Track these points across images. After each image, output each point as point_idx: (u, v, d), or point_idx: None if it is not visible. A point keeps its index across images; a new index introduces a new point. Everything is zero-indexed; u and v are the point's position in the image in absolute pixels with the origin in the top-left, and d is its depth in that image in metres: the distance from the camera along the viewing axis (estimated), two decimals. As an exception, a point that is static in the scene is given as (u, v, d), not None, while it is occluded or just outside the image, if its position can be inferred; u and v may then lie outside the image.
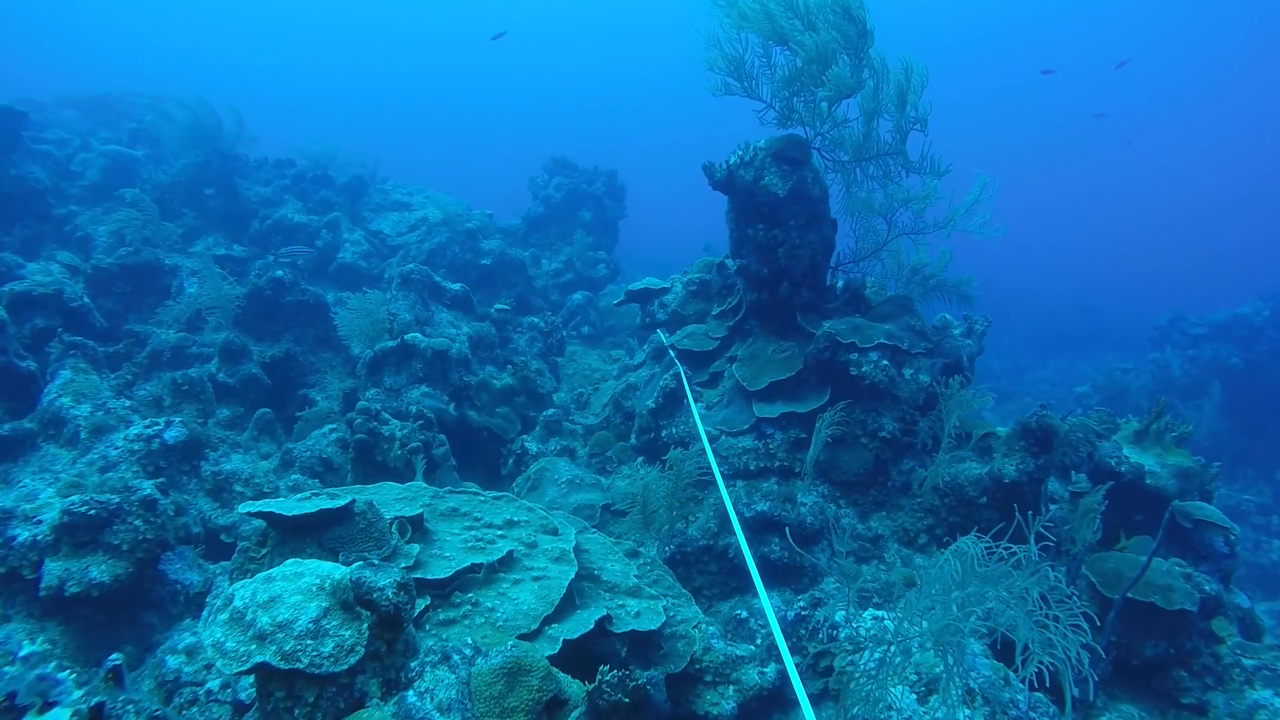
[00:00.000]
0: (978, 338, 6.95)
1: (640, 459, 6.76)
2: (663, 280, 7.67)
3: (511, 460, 7.01)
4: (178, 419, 5.13)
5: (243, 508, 3.31)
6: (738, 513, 5.18)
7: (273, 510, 3.24)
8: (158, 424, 5.08)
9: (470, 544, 3.85)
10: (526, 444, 6.96)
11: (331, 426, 6.76)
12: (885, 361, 5.47)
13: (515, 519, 4.25)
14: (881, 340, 5.50)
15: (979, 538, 3.55)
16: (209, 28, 61.13)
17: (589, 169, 15.40)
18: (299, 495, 3.52)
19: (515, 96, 69.24)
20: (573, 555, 3.99)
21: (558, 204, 14.69)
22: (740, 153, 5.87)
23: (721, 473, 5.30)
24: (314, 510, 3.26)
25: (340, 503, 3.36)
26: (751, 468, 5.67)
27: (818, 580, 5.28)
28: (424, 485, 4.26)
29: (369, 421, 5.69)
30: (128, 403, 5.35)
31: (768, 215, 5.82)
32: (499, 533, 4.09)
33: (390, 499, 4.16)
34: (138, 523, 3.59)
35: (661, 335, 7.48)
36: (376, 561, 2.52)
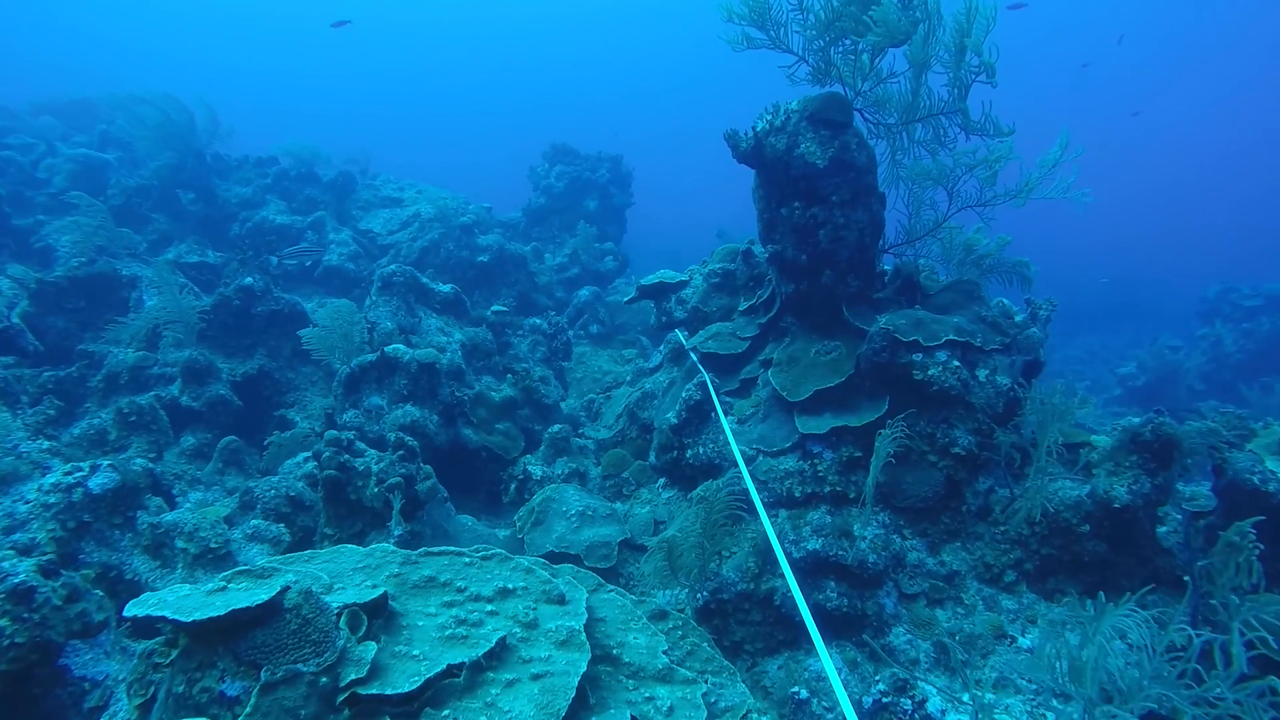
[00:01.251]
0: (1042, 324, 5.98)
1: (661, 480, 5.84)
2: (679, 273, 6.72)
3: (514, 486, 6.10)
4: (105, 463, 4.25)
5: (129, 609, 2.41)
6: (785, 552, 4.26)
7: (165, 615, 2.34)
8: (80, 470, 4.20)
9: (449, 630, 2.94)
10: (529, 467, 6.05)
11: (307, 455, 5.89)
12: (956, 362, 4.51)
13: (510, 585, 3.33)
14: (951, 336, 4.53)
15: (1136, 611, 2.59)
16: (196, 26, 60.04)
17: (592, 155, 14.44)
18: (210, 584, 2.61)
19: (515, 85, 68.25)
20: (584, 636, 3.08)
21: (560, 194, 13.75)
22: (769, 117, 4.91)
23: (761, 501, 4.38)
24: (223, 613, 2.35)
25: (262, 597, 2.45)
26: (796, 494, 4.74)
27: (884, 630, 4.35)
28: (391, 549, 3.35)
29: (338, 455, 4.80)
30: (47, 444, 4.48)
31: (805, 191, 4.85)
32: (488, 608, 3.17)
33: (348, 568, 3.25)
34: (2, 622, 2.71)
35: (680, 336, 6.54)
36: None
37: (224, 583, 2.61)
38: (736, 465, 5.14)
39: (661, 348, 7.45)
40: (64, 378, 6.73)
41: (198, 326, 7.12)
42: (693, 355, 5.89)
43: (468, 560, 3.48)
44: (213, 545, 4.17)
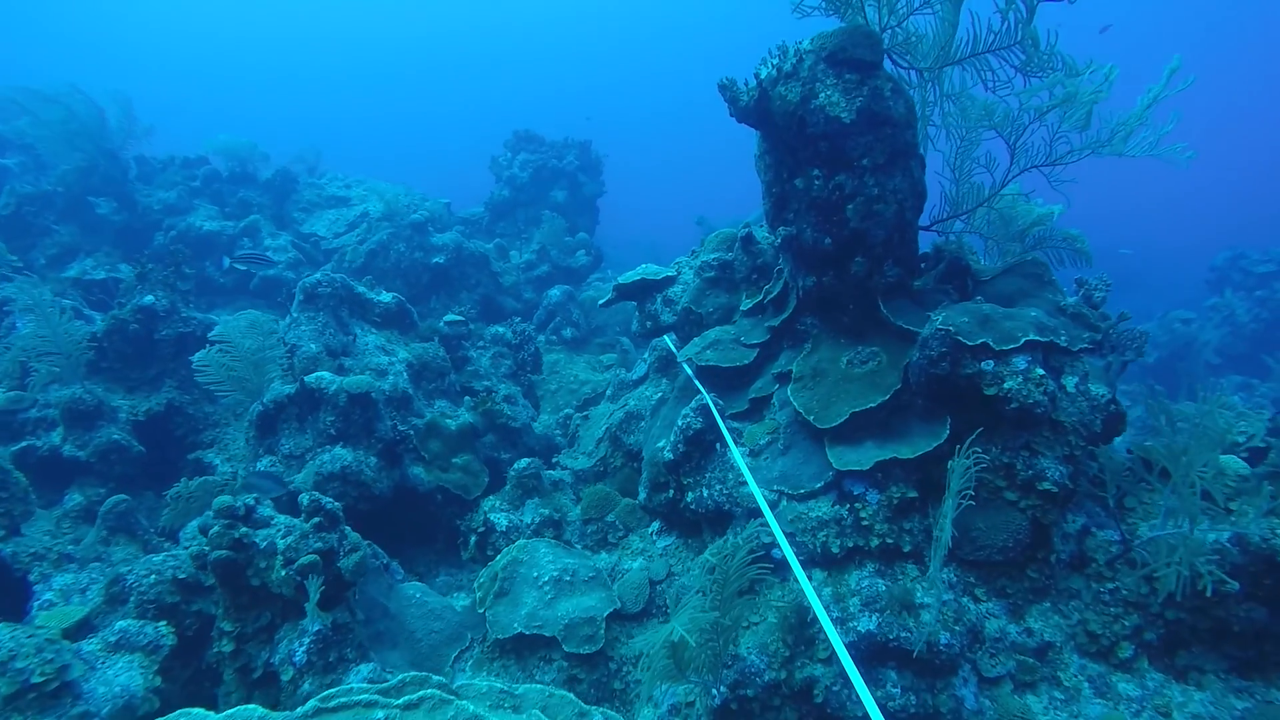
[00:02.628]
0: (1098, 308, 4.93)
1: (655, 524, 4.72)
2: (664, 267, 5.57)
3: (474, 540, 4.95)
4: (-113, 569, 3.04)
5: None
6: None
7: None
8: None
9: None
10: (491, 516, 4.90)
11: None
12: (1040, 370, 3.42)
13: (444, 755, 2.19)
14: (1031, 336, 3.45)
15: None
16: (135, 14, 56.64)
17: (558, 141, 13.22)
18: None
19: (478, 74, 66.34)
20: None
21: (525, 185, 12.53)
22: (776, 60, 3.78)
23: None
24: None
25: None
26: (834, 550, 3.63)
27: (964, 732, 3.28)
28: (260, 713, 2.21)
29: (232, 529, 3.62)
30: None
31: (827, 153, 3.73)
32: (407, 806, 2.03)
33: (185, 756, 2.10)
34: None
35: (669, 342, 5.41)
36: None
37: None
38: (751, 510, 4.05)
39: (646, 355, 6.32)
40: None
41: (85, 357, 5.88)
42: (687, 369, 4.77)
43: (384, 714, 2.33)
44: (36, 680, 2.98)
